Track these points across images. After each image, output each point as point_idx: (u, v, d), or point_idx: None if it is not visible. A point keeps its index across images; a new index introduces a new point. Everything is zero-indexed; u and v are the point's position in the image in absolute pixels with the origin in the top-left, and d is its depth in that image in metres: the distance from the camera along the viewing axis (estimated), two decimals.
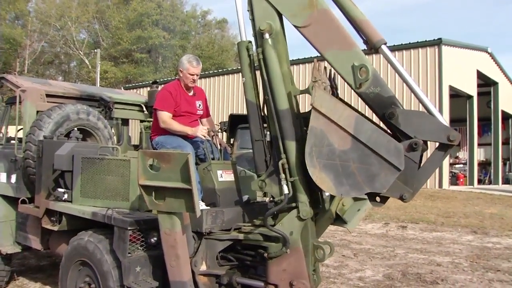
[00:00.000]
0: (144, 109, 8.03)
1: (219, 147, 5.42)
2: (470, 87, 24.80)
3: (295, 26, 3.95)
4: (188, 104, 5.49)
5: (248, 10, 4.14)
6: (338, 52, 3.78)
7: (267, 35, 4.00)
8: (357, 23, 3.76)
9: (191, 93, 5.59)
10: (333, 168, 3.59)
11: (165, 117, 5.28)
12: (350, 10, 3.76)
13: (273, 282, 4.13)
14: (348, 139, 3.55)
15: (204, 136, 5.21)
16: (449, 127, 3.55)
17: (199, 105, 5.66)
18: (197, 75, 5.52)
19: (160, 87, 8.63)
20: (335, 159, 3.58)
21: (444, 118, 3.62)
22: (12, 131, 7.56)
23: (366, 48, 3.88)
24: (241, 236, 4.42)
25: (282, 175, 4.02)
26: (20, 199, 5.87)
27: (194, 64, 5.45)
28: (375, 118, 3.87)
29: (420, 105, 3.70)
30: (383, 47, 3.68)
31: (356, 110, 3.73)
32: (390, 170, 3.46)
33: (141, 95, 9.42)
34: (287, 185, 4.02)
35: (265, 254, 4.16)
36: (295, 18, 3.92)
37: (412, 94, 3.67)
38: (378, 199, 3.78)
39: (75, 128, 6.02)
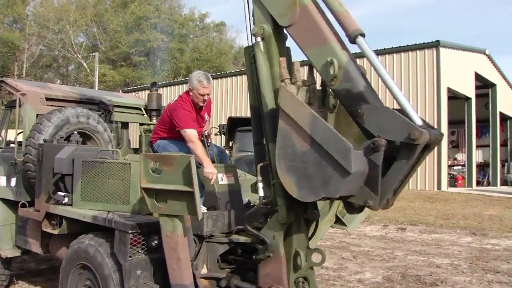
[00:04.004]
0: (144, 112, 8.04)
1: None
2: (468, 89, 24.82)
3: (283, 27, 3.91)
4: (198, 120, 5.39)
5: (252, 15, 4.17)
6: (315, 48, 3.66)
7: (258, 39, 4.02)
8: (336, 15, 3.57)
9: (198, 107, 5.42)
10: (295, 170, 3.45)
11: (194, 137, 5.06)
12: (329, 1, 3.60)
13: (261, 286, 4.15)
14: (307, 140, 3.37)
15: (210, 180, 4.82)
16: (413, 124, 3.15)
17: (206, 117, 5.61)
18: (208, 94, 5.30)
19: (159, 90, 8.67)
20: (296, 160, 3.44)
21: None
22: (12, 134, 7.56)
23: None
24: (241, 239, 4.42)
25: (259, 178, 4.06)
26: (20, 203, 5.86)
27: (205, 84, 5.19)
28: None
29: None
30: (360, 38, 3.45)
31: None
32: (341, 173, 3.16)
33: (140, 98, 9.43)
34: (263, 188, 4.05)
35: (254, 257, 4.18)
36: (282, 18, 3.88)
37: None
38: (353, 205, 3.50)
39: (75, 132, 6.01)
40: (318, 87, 3.88)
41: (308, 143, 3.37)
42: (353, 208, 3.55)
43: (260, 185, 4.07)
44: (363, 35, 3.48)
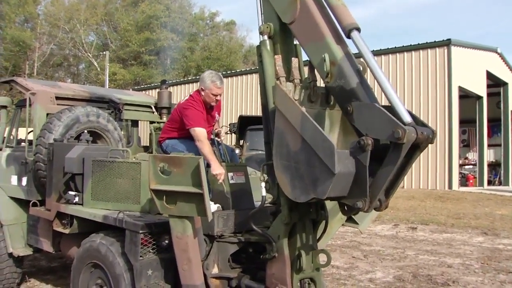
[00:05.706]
0: (154, 110, 8.04)
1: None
2: (480, 88, 24.65)
3: (287, 24, 3.87)
4: (208, 120, 5.37)
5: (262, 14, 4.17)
6: (313, 44, 3.64)
7: (264, 37, 4.03)
8: (332, 9, 3.52)
9: (209, 107, 5.40)
10: (289, 170, 3.41)
11: (203, 137, 5.01)
12: None
13: (268, 285, 4.14)
14: (298, 139, 3.31)
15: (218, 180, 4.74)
16: (397, 122, 3.03)
17: (216, 116, 5.60)
18: (220, 95, 5.31)
19: (170, 89, 8.65)
20: (290, 160, 3.40)
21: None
22: (22, 133, 7.59)
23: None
24: (252, 239, 4.40)
25: (262, 177, 4.04)
26: (31, 202, 5.88)
27: (218, 84, 5.19)
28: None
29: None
30: (356, 33, 3.37)
31: None
32: (326, 173, 3.10)
33: (150, 96, 9.44)
34: (269, 187, 4.06)
35: (261, 256, 4.18)
36: (285, 15, 3.85)
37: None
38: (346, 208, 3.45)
39: (85, 131, 6.01)
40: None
41: (299, 142, 3.32)
42: (346, 209, 3.49)
43: (263, 184, 4.05)
44: (358, 29, 3.41)
